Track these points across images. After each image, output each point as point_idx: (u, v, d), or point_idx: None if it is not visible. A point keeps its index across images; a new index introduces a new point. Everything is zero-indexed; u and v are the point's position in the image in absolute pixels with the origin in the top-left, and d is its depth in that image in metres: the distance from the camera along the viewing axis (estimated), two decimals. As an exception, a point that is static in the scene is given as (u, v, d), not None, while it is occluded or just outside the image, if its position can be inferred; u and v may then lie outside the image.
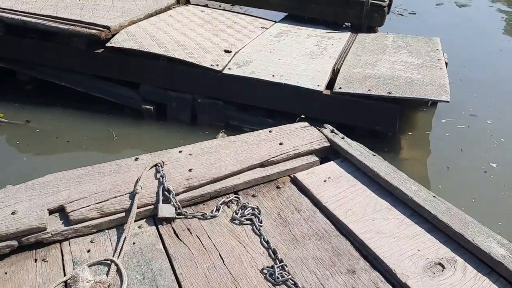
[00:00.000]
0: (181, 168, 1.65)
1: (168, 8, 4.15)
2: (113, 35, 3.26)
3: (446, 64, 3.40)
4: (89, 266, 1.31)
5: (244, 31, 3.79)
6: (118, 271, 1.29)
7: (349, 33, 3.95)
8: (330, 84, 2.98)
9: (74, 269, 1.30)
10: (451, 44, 3.94)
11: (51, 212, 1.44)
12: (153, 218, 1.52)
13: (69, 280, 1.25)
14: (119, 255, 1.35)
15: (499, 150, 3.24)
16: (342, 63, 3.24)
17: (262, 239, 1.43)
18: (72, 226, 1.42)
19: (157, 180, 1.58)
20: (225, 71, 3.05)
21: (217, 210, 1.55)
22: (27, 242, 1.36)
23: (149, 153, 1.75)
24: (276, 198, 1.64)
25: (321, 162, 1.84)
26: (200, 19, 4.00)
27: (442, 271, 1.30)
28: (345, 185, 1.69)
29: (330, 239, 1.45)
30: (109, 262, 1.32)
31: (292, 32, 3.90)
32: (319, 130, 1.97)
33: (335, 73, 3.12)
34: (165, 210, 1.51)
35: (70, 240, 1.42)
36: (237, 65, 3.12)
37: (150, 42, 3.22)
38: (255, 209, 1.55)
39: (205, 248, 1.40)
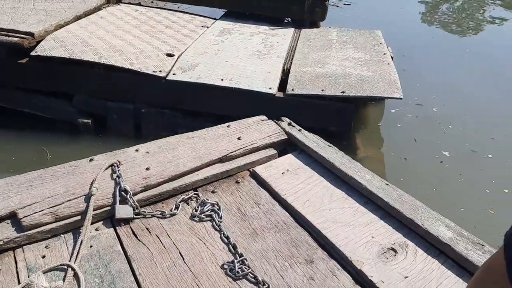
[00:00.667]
0: (138, 167, 1.63)
1: (98, 8, 3.81)
2: (38, 42, 2.95)
3: (392, 58, 3.48)
4: (44, 273, 1.28)
5: (184, 31, 3.61)
6: (75, 275, 1.27)
7: (292, 29, 3.94)
8: (282, 85, 2.92)
9: (28, 277, 1.26)
10: (388, 34, 4.06)
11: (2, 219, 1.39)
12: (111, 220, 1.49)
13: (23, 288, 1.22)
14: (75, 259, 1.32)
15: (449, 137, 3.40)
16: (291, 63, 3.20)
17: (222, 234, 1.45)
18: (25, 233, 1.38)
19: (113, 181, 1.56)
20: (170, 77, 2.86)
21: (176, 208, 1.55)
22: (-24, 252, 1.31)
23: (105, 153, 1.71)
24: (236, 193, 1.65)
25: (280, 155, 1.87)
26: (135, 20, 3.71)
27: (395, 255, 1.36)
28: (303, 176, 1.72)
29: (289, 231, 1.48)
30: (65, 267, 1.29)
31: (235, 30, 3.79)
32: (276, 123, 2.00)
33: (285, 73, 3.08)
34: (123, 211, 1.49)
35: (24, 246, 1.37)
36: (182, 70, 2.94)
37: (82, 48, 2.94)
38: (215, 205, 1.56)
39: (164, 247, 1.39)
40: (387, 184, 1.62)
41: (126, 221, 1.48)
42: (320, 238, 1.45)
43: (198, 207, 1.55)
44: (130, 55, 2.96)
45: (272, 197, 1.63)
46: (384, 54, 3.44)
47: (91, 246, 1.38)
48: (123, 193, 1.52)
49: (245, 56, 3.24)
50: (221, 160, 1.75)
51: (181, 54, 3.13)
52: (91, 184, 1.52)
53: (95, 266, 1.32)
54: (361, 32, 3.98)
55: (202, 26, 3.79)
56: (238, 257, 1.35)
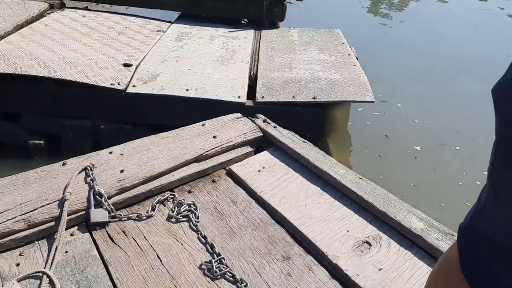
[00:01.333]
0: (112, 170, 1.61)
1: (41, 15, 3.49)
2: None
3: (357, 58, 3.47)
4: (19, 281, 1.26)
5: (139, 37, 3.40)
6: (51, 282, 1.26)
7: (252, 31, 3.85)
8: (250, 93, 2.83)
9: (2, 286, 1.24)
10: (343, 29, 4.09)
11: (-28, 228, 1.36)
12: (86, 224, 1.48)
13: (-3, 298, 1.20)
14: (51, 266, 1.30)
15: (417, 132, 3.48)
16: (257, 68, 3.09)
17: (200, 234, 1.45)
18: (-3, 241, 1.36)
19: (87, 185, 1.54)
20: (130, 90, 2.65)
21: (153, 209, 1.54)
22: None
23: (78, 156, 1.69)
24: (212, 192, 1.66)
25: (256, 152, 1.88)
26: (84, 27, 3.44)
27: (369, 248, 1.40)
28: (279, 173, 1.74)
29: (266, 228, 1.49)
30: (40, 274, 1.27)
31: (192, 34, 3.65)
32: (252, 120, 2.00)
33: (252, 79, 2.97)
34: (98, 215, 1.48)
35: (-4, 255, 1.35)
36: (142, 81, 2.75)
37: (28, 62, 2.66)
38: (191, 205, 1.56)
39: (141, 250, 1.39)
40: (361, 178, 1.65)
41: (102, 225, 1.47)
42: (297, 234, 1.47)
43: (174, 208, 1.55)
44: (83, 67, 2.71)
45: (248, 195, 1.64)
46: (349, 55, 3.43)
47: (66, 252, 1.37)
48: (97, 196, 1.51)
49: (208, 62, 3.11)
50: (197, 159, 1.75)
51: (140, 63, 2.94)
52: (65, 188, 1.50)
53: (71, 272, 1.30)
54: (321, 32, 3.95)
55: (158, 31, 3.60)
56: (215, 257, 1.36)
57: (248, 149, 1.86)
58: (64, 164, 1.62)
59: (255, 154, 1.86)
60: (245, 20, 4.09)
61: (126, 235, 1.44)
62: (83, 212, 1.48)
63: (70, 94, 2.70)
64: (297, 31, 3.96)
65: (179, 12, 4.11)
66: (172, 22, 3.92)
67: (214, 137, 1.85)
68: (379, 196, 1.55)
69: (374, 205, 1.51)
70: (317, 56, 3.39)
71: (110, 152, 1.70)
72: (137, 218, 1.51)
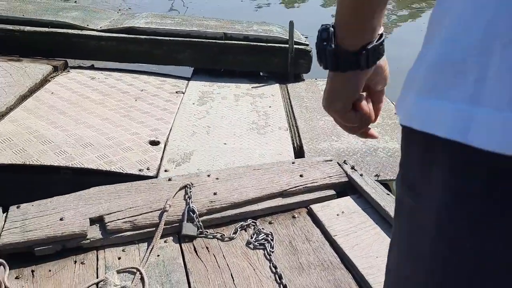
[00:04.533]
0: (207, 191, 1.84)
1: (45, 80, 3.05)
2: None
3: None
4: (118, 272, 1.51)
5: (159, 103, 3.00)
6: (142, 279, 1.49)
7: (277, 85, 3.52)
8: None
9: (105, 273, 1.50)
10: None
11: (92, 221, 1.66)
12: (178, 235, 1.71)
13: (100, 283, 1.46)
14: (144, 264, 1.54)
15: None
16: (299, 137, 2.74)
17: (271, 264, 1.58)
18: (108, 236, 1.64)
19: (184, 201, 1.78)
20: (162, 175, 2.18)
21: (235, 233, 1.72)
22: (70, 246, 1.59)
23: (182, 175, 1.95)
24: (290, 227, 1.78)
25: (339, 196, 1.97)
26: (95, 92, 3.01)
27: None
28: (357, 220, 1.80)
29: (334, 271, 1.57)
30: (135, 270, 1.52)
31: (215, 94, 3.31)
32: (340, 165, 2.10)
33: (297, 152, 2.64)
34: (189, 229, 1.70)
35: (105, 247, 1.64)
36: (174, 163, 2.32)
37: (40, 147, 2.22)
38: (269, 235, 1.70)
39: (219, 267, 1.56)
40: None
41: (190, 238, 1.69)
42: (363, 283, 1.52)
43: (253, 235, 1.70)
44: (104, 149, 2.29)
45: (323, 236, 1.73)
46: (395, 113, 3.20)
47: (158, 256, 1.60)
48: (191, 212, 1.73)
49: (243, 132, 2.74)
50: (282, 194, 1.90)
51: (167, 139, 2.54)
52: (166, 201, 1.76)
53: (159, 273, 1.53)
54: None
55: (177, 92, 3.23)
56: (281, 287, 1.47)
57: (331, 192, 1.96)
58: (169, 179, 1.89)
59: (337, 198, 1.95)
60: (264, 73, 3.77)
61: (208, 251, 1.64)
62: (177, 224, 1.72)
63: (90, 185, 2.04)
64: (324, 83, 3.72)
65: (193, 67, 3.76)
66: (188, 79, 3.57)
67: (301, 175, 1.98)
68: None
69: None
70: None
71: (208, 175, 1.94)
72: (220, 238, 1.70)
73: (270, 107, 3.15)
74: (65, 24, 3.55)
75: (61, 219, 1.62)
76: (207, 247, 1.65)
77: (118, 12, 4.76)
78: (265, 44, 3.60)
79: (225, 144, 2.58)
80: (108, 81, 3.26)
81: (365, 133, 0.74)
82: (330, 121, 2.91)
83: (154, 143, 2.43)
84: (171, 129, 2.66)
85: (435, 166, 0.47)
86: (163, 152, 2.40)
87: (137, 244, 1.66)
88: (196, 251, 1.63)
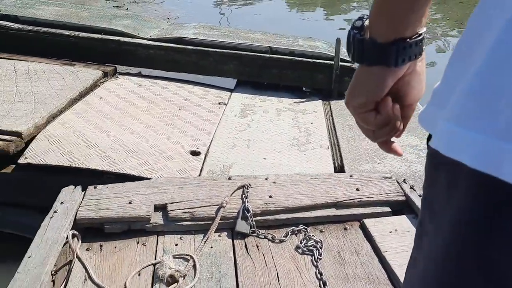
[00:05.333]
0: (263, 193, 1.92)
1: (94, 85, 3.14)
2: (26, 144, 2.27)
3: None
4: (174, 257, 1.64)
5: (202, 113, 3.03)
6: (194, 266, 1.60)
7: (320, 102, 3.46)
8: None
9: (162, 256, 1.64)
10: None
11: (156, 208, 1.81)
12: (231, 231, 1.80)
13: (157, 264, 1.60)
14: (198, 253, 1.66)
15: None
16: (341, 156, 2.64)
17: (317, 270, 1.62)
18: (168, 223, 1.78)
19: (241, 199, 1.87)
20: None
21: (285, 236, 1.78)
22: (134, 227, 1.75)
23: (241, 175, 2.06)
24: (341, 238, 1.81)
25: (394, 214, 1.95)
26: (141, 99, 3.07)
27: None
28: (409, 240, 1.78)
29: (379, 286, 1.57)
30: (189, 257, 1.63)
31: (256, 107, 3.29)
32: (399, 183, 2.08)
33: (337, 172, 2.51)
34: (242, 226, 1.79)
35: (165, 233, 1.78)
36: (214, 175, 2.32)
37: (86, 150, 2.28)
38: (318, 243, 1.74)
39: (266, 265, 1.63)
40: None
41: (243, 235, 1.77)
42: (408, 302, 1.50)
43: (303, 240, 1.75)
44: (147, 156, 2.32)
45: (373, 251, 1.73)
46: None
47: (211, 247, 1.71)
48: (245, 211, 1.82)
49: (283, 148, 2.70)
50: (336, 205, 1.93)
51: (208, 150, 2.54)
52: (224, 198, 1.86)
53: (210, 263, 1.63)
54: None
55: (219, 103, 3.24)
56: (324, 294, 1.50)
57: (386, 208, 1.95)
58: (229, 178, 2.00)
59: (392, 215, 1.93)
60: (307, 89, 3.71)
61: (258, 249, 1.71)
62: (232, 221, 1.81)
63: None
64: None
65: (237, 79, 3.74)
66: (231, 90, 3.58)
67: (357, 189, 2.00)
68: None
69: None
70: (405, 139, 2.88)
71: (266, 179, 2.02)
72: (271, 239, 1.77)
73: (312, 123, 3.09)
74: (118, 31, 3.68)
75: (129, 203, 1.78)
76: (257, 246, 1.73)
77: (167, 22, 4.89)
78: (310, 59, 3.58)
79: (264, 159, 2.54)
80: (154, 89, 3.31)
81: (386, 145, 0.69)
82: (373, 143, 2.69)
83: (195, 153, 2.44)
84: (212, 140, 2.66)
85: (458, 191, 0.49)
86: (203, 163, 2.39)
87: (193, 234, 1.78)
88: (246, 248, 1.72)
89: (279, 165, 2.48)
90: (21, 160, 2.14)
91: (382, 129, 0.64)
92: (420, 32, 0.59)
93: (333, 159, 2.65)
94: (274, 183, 1.99)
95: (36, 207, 2.27)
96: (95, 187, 1.88)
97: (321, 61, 3.56)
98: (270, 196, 1.90)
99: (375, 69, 0.60)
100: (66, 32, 3.57)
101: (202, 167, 2.34)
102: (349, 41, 0.62)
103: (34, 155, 2.19)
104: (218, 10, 8.85)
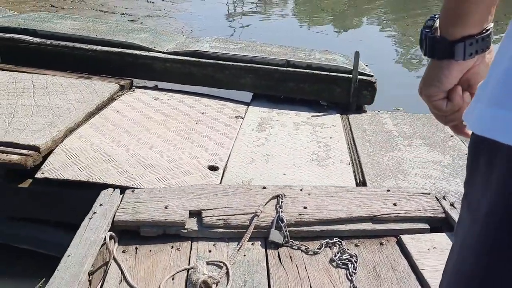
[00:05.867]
0: (297, 204, 1.90)
1: (111, 99, 3.15)
2: (44, 158, 2.25)
3: None
4: (207, 263, 1.64)
5: (219, 126, 2.99)
6: (227, 273, 1.60)
7: (338, 116, 3.39)
8: None
9: (196, 262, 1.65)
10: None
11: (191, 213, 1.83)
12: (264, 240, 1.79)
13: (191, 269, 1.61)
14: (231, 261, 1.66)
15: None
16: (362, 173, 2.55)
17: (352, 284, 1.58)
18: (203, 229, 1.79)
19: (275, 209, 1.87)
20: None
21: (319, 248, 1.75)
22: (169, 232, 1.77)
23: (276, 185, 2.05)
24: (376, 253, 1.76)
25: (432, 231, 1.89)
26: (157, 113, 3.06)
27: None
28: (449, 259, 1.71)
29: (416, 305, 1.52)
30: (222, 264, 1.64)
31: (274, 121, 3.23)
32: (438, 200, 2.01)
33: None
34: (275, 236, 1.78)
35: (199, 239, 1.79)
36: None
37: (103, 165, 2.26)
38: (353, 257, 1.70)
39: (300, 277, 1.61)
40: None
41: (276, 245, 1.76)
42: (447, 323, 1.44)
43: (338, 253, 1.72)
44: (164, 172, 2.28)
45: (410, 267, 1.68)
46: (466, 154, 2.71)
47: (244, 255, 1.70)
48: (279, 221, 1.81)
49: (303, 163, 2.62)
50: (372, 219, 1.89)
51: (226, 165, 2.48)
52: (258, 207, 1.86)
53: (243, 271, 1.62)
54: (418, 116, 3.30)
55: (236, 117, 3.21)
56: (359, 309, 1.47)
57: (424, 225, 1.89)
58: (264, 188, 2.00)
59: (430, 232, 1.87)
60: (324, 102, 3.65)
61: (291, 260, 1.69)
62: (265, 230, 1.81)
63: None
64: (389, 116, 3.39)
65: (254, 92, 3.70)
66: (248, 104, 3.54)
67: (395, 204, 1.95)
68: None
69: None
70: (428, 155, 2.78)
71: (301, 189, 2.00)
72: (304, 250, 1.74)
73: (331, 138, 3.01)
74: (135, 45, 3.70)
75: (165, 207, 1.81)
76: (290, 257, 1.71)
77: (182, 35, 4.90)
78: (328, 73, 3.53)
79: (284, 174, 2.46)
80: (171, 102, 3.30)
81: (458, 129, 0.75)
82: (395, 158, 2.75)
83: (213, 168, 2.39)
84: (230, 155, 2.61)
85: (496, 171, 0.51)
86: (222, 178, 2.34)
87: (227, 242, 1.78)
88: (279, 258, 1.70)
89: (299, 181, 2.38)
90: (39, 175, 2.12)
91: (453, 114, 0.72)
92: (487, 28, 0.66)
93: (355, 175, 2.56)
94: (309, 194, 1.97)
95: (53, 222, 2.30)
96: (133, 191, 1.92)
97: (339, 74, 3.51)
98: (305, 207, 1.88)
99: (445, 63, 0.68)
100: (83, 46, 3.62)
101: (220, 183, 2.31)
102: (421, 39, 0.71)
103: (52, 169, 2.16)
104: (230, 24, 8.94)
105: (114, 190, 1.95)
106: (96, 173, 2.18)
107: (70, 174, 2.15)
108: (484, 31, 0.66)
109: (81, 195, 2.12)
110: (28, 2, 9.04)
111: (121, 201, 1.86)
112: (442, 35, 0.67)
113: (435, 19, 0.69)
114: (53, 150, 2.32)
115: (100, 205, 1.81)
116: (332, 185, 2.05)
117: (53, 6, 8.90)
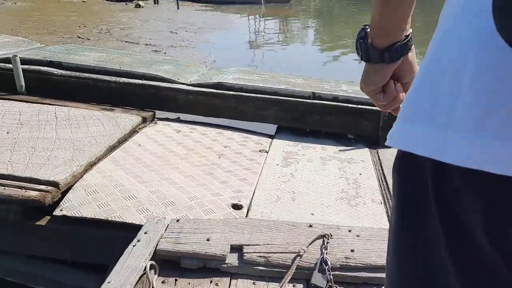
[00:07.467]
0: (344, 246, 1.80)
1: (133, 131, 3.07)
2: (63, 194, 2.18)
3: None
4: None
5: (243, 161, 2.88)
6: (270, 316, 1.48)
7: (367, 150, 3.24)
8: None
9: (237, 301, 1.54)
10: None
11: (232, 248, 1.74)
12: (306, 282, 1.68)
13: (231, 308, 1.50)
14: (273, 303, 1.54)
15: None
16: None
17: None
18: (243, 265, 1.69)
19: (320, 250, 1.76)
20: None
21: (366, 296, 1.64)
22: (209, 265, 1.67)
23: (323, 224, 1.96)
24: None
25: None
26: (179, 146, 2.98)
27: None
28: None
29: None
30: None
31: (299, 155, 3.10)
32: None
33: None
34: (318, 279, 1.67)
35: (238, 276, 1.68)
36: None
37: (123, 202, 2.18)
38: (405, 309, 1.58)
39: (346, 326, 1.49)
40: None
41: (318, 289, 1.65)
42: None
43: (388, 303, 1.60)
44: (186, 210, 2.18)
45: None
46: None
47: (286, 298, 1.59)
48: (324, 263, 1.71)
49: (332, 202, 2.47)
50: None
51: (250, 203, 2.34)
52: (302, 246, 1.76)
53: (286, 316, 1.51)
54: None
55: (260, 151, 3.09)
56: None
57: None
58: (310, 226, 1.91)
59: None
60: (351, 136, 3.49)
61: (336, 306, 1.58)
62: (308, 272, 1.70)
63: None
64: None
65: (278, 124, 3.59)
66: (272, 137, 3.42)
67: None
68: None
69: None
70: None
71: (350, 231, 1.90)
72: (350, 297, 1.63)
73: (360, 174, 2.86)
74: (158, 77, 3.68)
75: (208, 240, 1.72)
76: (334, 303, 1.60)
77: (206, 67, 4.92)
78: (356, 105, 3.42)
79: (312, 214, 2.31)
80: (193, 135, 3.22)
81: (396, 111, 0.89)
82: None
83: (236, 207, 2.26)
84: (254, 192, 2.47)
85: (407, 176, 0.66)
86: (246, 217, 2.22)
87: (267, 281, 1.68)
88: (323, 304, 1.59)
89: (329, 222, 2.22)
90: (57, 212, 2.05)
91: (390, 102, 0.89)
92: (407, 34, 0.81)
93: (388, 217, 2.37)
94: (358, 236, 1.87)
95: (70, 262, 2.23)
96: (177, 220, 1.85)
97: (367, 107, 3.38)
98: (352, 250, 1.78)
99: (378, 66, 0.83)
100: (107, 78, 3.61)
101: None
102: (357, 47, 0.86)
103: (70, 206, 2.09)
104: (253, 54, 9.01)
105: (159, 219, 1.86)
106: (116, 211, 2.09)
107: (88, 212, 2.07)
108: (404, 37, 0.81)
109: (99, 234, 2.06)
110: (55, 33, 9.28)
111: (165, 230, 1.78)
112: (373, 45, 0.82)
113: (366, 30, 0.84)
114: (72, 185, 2.25)
115: (145, 232, 1.73)
116: (382, 228, 1.95)
117: (80, 38, 9.12)
